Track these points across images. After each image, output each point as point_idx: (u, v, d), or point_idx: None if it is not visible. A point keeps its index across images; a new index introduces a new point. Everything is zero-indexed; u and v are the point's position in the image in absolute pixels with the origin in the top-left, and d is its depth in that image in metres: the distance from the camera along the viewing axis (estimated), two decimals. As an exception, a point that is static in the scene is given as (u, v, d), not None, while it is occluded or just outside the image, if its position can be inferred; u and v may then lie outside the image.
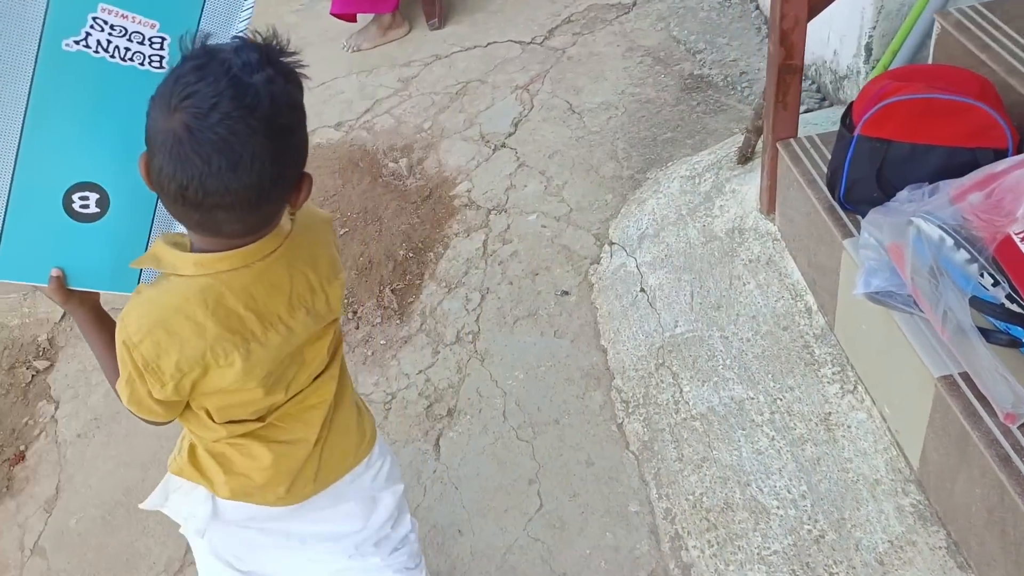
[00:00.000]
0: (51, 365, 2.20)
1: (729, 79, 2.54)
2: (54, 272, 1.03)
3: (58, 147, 1.02)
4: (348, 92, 2.94)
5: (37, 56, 0.99)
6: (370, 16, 3.14)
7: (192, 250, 0.94)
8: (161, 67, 1.02)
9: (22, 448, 2.05)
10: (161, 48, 1.02)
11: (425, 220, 2.39)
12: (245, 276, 0.95)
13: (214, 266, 0.93)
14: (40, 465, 2.00)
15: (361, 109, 2.85)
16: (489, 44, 3.02)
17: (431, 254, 2.29)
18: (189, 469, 1.10)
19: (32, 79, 1.00)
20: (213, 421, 1.03)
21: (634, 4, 3.02)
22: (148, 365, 0.94)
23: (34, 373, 2.18)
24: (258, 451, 1.07)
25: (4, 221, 1.03)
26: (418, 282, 2.22)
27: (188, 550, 1.54)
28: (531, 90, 2.74)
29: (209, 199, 0.86)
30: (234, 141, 0.84)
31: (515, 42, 3.00)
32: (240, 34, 1.00)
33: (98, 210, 1.05)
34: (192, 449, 1.10)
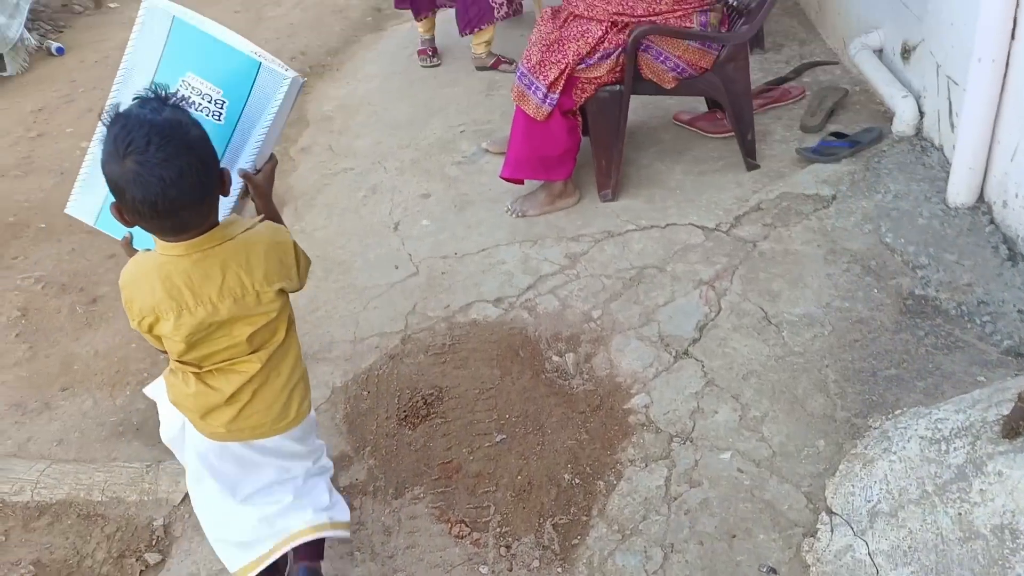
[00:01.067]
0: (163, 561, 1.95)
1: (964, 308, 2.17)
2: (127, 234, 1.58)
3: None
4: (510, 263, 2.71)
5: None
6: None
7: None
8: (219, 120, 1.56)
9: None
10: (221, 108, 1.56)
11: (595, 437, 2.07)
12: (186, 262, 1.40)
13: (168, 251, 1.41)
14: None
15: (523, 285, 2.61)
16: (668, 225, 2.76)
17: (601, 483, 1.96)
18: (164, 377, 1.61)
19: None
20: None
21: (834, 198, 2.71)
22: (127, 305, 1.46)
23: (143, 568, 1.94)
24: (190, 381, 1.52)
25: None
26: (585, 518, 1.89)
27: None
28: (718, 288, 2.44)
29: (172, 205, 1.31)
30: (172, 159, 1.29)
31: (697, 226, 2.73)
32: (144, 92, 1.38)
33: None
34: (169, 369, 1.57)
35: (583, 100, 2.78)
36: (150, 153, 1.27)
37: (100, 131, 1.41)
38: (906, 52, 2.94)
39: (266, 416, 1.57)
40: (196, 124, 1.36)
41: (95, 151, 1.60)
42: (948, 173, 2.61)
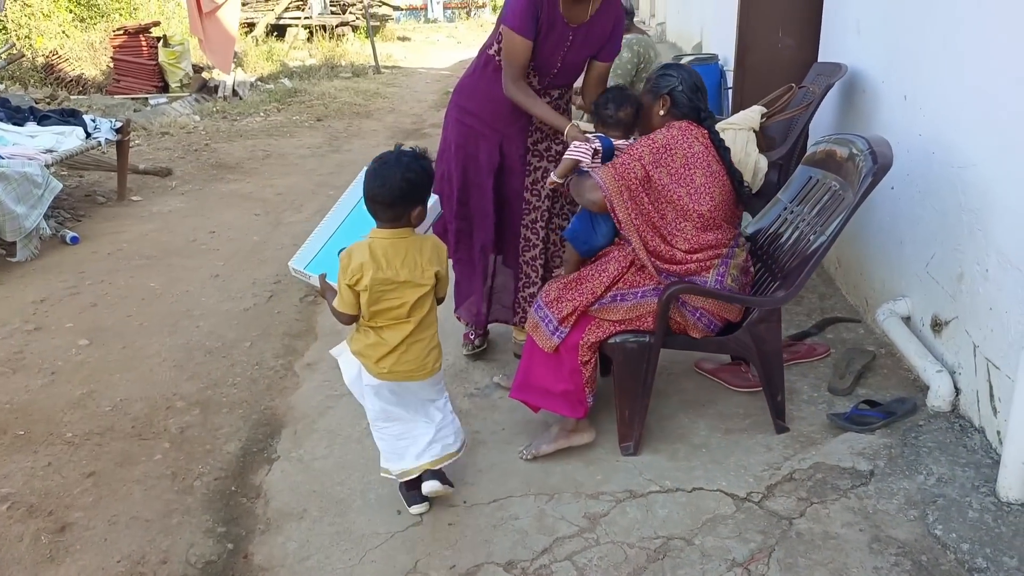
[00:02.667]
0: None
1: (1035, 629, 1.95)
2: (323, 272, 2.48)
3: (348, 230, 2.64)
4: (523, 519, 2.49)
5: (356, 205, 2.67)
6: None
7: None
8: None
9: None
10: None
11: None
12: (387, 243, 2.29)
13: (377, 235, 2.31)
14: None
15: (538, 547, 2.38)
16: (694, 489, 2.57)
17: None
18: (348, 339, 2.44)
19: (352, 209, 2.69)
20: (360, 314, 2.33)
21: (872, 474, 2.55)
22: (343, 268, 2.27)
23: None
24: (370, 334, 2.36)
25: (320, 251, 2.65)
26: None
27: None
28: (753, 573, 2.22)
29: (395, 198, 2.25)
30: (407, 173, 2.25)
31: (726, 494, 2.54)
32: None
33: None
34: (355, 329, 2.41)
35: (598, 339, 2.69)
36: (395, 166, 2.27)
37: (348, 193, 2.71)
38: (937, 326, 2.90)
39: (414, 364, 2.38)
40: (420, 170, 2.29)
41: (327, 219, 2.71)
42: (994, 460, 2.48)
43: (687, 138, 2.66)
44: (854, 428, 2.76)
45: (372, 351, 2.37)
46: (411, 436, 2.51)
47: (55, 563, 2.37)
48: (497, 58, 3.07)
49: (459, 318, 3.53)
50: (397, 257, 2.30)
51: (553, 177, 2.93)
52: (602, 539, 2.40)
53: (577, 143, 2.83)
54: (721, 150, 2.70)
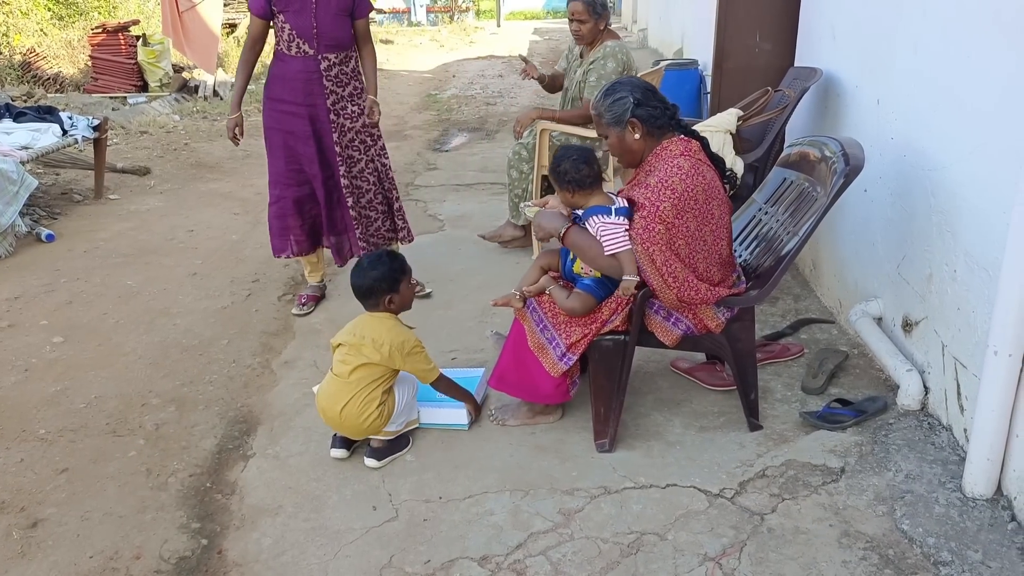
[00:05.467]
0: None
1: (999, 621, 1.99)
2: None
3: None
4: (498, 515, 2.51)
5: None
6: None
7: None
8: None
9: None
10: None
11: None
12: (364, 318, 2.80)
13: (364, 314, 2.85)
14: None
15: (513, 542, 2.39)
16: (668, 486, 2.60)
17: None
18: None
19: None
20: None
21: (843, 471, 2.59)
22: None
23: None
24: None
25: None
26: None
27: None
28: (725, 567, 2.24)
29: (362, 292, 2.79)
30: (360, 277, 2.78)
31: (699, 490, 2.57)
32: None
33: None
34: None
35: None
36: (366, 268, 2.77)
37: None
38: (908, 326, 2.95)
39: (331, 414, 2.78)
40: (392, 267, 2.78)
41: None
42: (960, 457, 2.52)
43: (698, 169, 2.55)
44: (826, 426, 2.79)
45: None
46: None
47: (26, 558, 2.35)
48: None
49: (283, 255, 3.99)
50: (363, 329, 2.74)
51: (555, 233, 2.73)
52: (576, 534, 2.42)
53: (601, 221, 2.61)
54: (716, 161, 2.68)
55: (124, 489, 2.67)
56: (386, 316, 2.77)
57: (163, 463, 2.82)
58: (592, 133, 4.09)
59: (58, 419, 3.06)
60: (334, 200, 3.89)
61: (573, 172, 2.66)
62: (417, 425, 2.95)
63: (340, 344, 2.78)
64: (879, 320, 3.20)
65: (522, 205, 2.98)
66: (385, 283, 2.75)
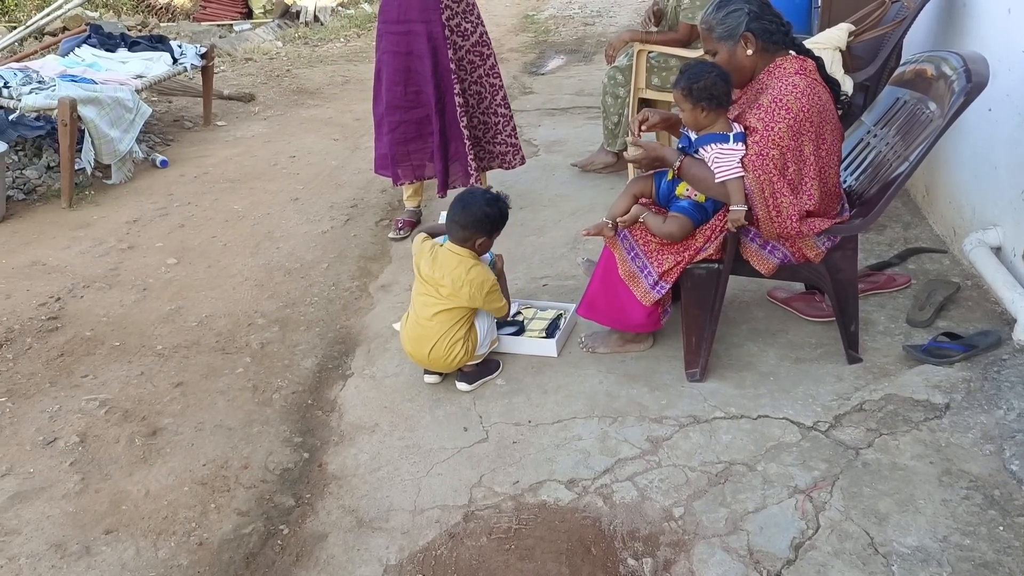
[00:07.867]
0: None
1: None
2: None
3: None
4: (586, 440, 2.54)
5: None
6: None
7: None
8: None
9: None
10: None
11: (672, 670, 1.83)
12: (446, 252, 2.78)
13: (447, 243, 2.81)
14: None
15: (600, 467, 2.42)
16: (759, 417, 2.56)
17: None
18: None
19: None
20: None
21: (948, 407, 2.48)
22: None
23: None
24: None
25: None
26: None
27: None
28: (816, 500, 2.21)
29: (467, 224, 2.74)
30: (484, 208, 2.74)
31: (792, 422, 2.52)
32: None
33: None
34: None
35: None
36: (480, 198, 2.78)
37: None
38: (1030, 256, 2.76)
39: (412, 346, 2.85)
40: (503, 212, 2.81)
41: None
42: (1080, 396, 2.37)
43: (814, 88, 2.43)
44: (932, 360, 2.67)
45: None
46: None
47: (147, 463, 2.55)
48: None
49: (401, 183, 4.05)
50: (444, 266, 2.73)
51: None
52: (664, 462, 2.43)
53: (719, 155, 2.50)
54: (831, 83, 2.54)
55: (233, 403, 2.84)
56: (468, 255, 2.75)
57: (268, 380, 2.97)
58: (692, 54, 3.92)
59: (173, 336, 3.26)
60: (446, 122, 3.86)
61: (714, 88, 2.47)
62: (498, 344, 2.97)
63: (420, 273, 2.79)
64: (997, 250, 3.00)
65: (627, 139, 2.84)
66: (488, 224, 2.74)
